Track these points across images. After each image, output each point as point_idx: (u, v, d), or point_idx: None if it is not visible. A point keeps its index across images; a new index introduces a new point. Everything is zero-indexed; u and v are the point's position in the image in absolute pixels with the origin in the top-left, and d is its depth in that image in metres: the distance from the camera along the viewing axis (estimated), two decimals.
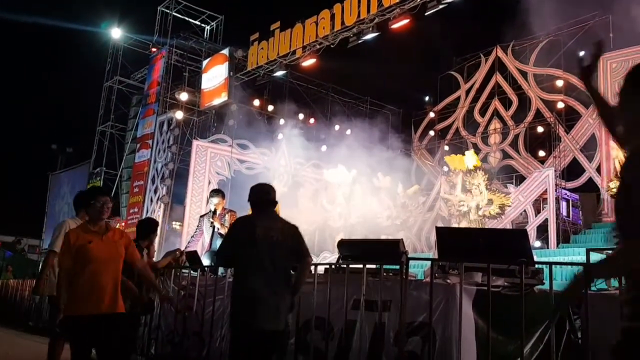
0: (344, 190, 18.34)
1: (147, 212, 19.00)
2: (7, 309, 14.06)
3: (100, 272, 3.78)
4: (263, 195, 3.95)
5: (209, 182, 18.24)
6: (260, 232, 3.74)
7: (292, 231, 3.88)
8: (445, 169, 18.46)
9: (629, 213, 1.82)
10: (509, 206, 15.58)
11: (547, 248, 14.38)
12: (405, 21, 14.32)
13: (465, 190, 16.04)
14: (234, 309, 3.75)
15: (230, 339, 4.03)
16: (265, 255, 3.69)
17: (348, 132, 21.90)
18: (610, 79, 16.96)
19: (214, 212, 7.59)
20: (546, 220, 15.23)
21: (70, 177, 27.15)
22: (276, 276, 3.69)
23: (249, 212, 4.24)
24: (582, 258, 9.90)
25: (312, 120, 21.81)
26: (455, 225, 15.69)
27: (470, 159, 16.29)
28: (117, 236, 4.01)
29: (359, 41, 15.42)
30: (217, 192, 7.97)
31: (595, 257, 4.84)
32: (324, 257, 15.52)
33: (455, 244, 4.27)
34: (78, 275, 3.77)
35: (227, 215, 7.66)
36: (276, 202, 4.02)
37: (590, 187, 17.69)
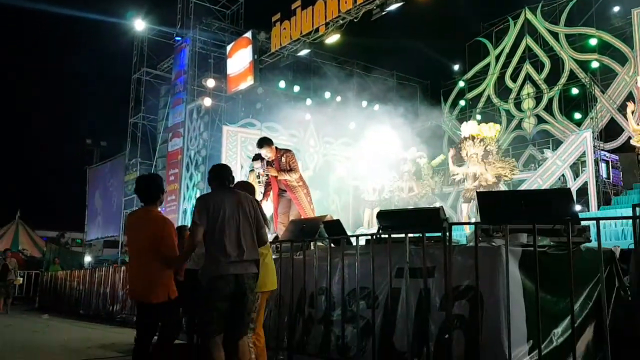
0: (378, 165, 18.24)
1: (184, 199, 19.35)
2: (58, 299, 14.63)
3: None
4: None
5: (242, 167, 18.42)
6: None
7: None
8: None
9: None
10: (507, 177, 15.00)
11: (588, 211, 14.09)
12: None
13: (463, 159, 15.55)
14: None
15: None
16: None
17: (376, 107, 21.71)
18: None
19: (268, 163, 7.04)
20: (585, 183, 14.90)
21: (108, 170, 27.83)
22: None
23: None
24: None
25: (339, 98, 21.66)
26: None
27: (468, 127, 15.81)
28: None
29: (383, 13, 15.17)
30: (260, 143, 7.09)
31: None
32: (360, 232, 15.55)
33: (498, 207, 4.21)
34: None
35: (283, 158, 7.02)
36: None
37: (630, 147, 17.16)
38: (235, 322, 3.78)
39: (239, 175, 17.88)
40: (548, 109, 19.91)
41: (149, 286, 4.16)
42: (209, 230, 3.82)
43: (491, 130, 15.70)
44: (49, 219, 34.06)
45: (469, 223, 5.74)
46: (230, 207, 3.89)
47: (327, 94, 21.58)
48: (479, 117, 21.02)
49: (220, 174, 4.10)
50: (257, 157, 7.39)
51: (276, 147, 7.20)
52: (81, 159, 31.38)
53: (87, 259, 24.19)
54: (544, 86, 20.09)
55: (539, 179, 16.03)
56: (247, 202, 4.00)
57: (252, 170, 7.70)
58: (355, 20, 15.97)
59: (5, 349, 7.01)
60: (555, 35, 19.71)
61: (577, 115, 19.16)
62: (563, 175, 15.67)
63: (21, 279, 15.88)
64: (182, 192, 19.69)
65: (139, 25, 22.82)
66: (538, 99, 20.26)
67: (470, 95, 22.57)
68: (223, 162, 18.21)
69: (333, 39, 16.97)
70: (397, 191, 17.81)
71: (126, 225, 4.51)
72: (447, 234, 4.08)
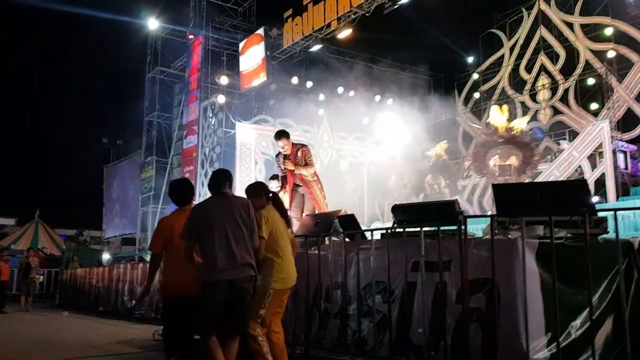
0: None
1: (200, 195, 19.46)
2: (78, 296, 14.82)
3: None
4: None
5: (256, 163, 18.50)
6: None
7: None
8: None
9: None
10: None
11: (606, 202, 13.93)
12: None
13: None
14: None
15: None
16: None
17: (389, 102, 21.63)
18: None
19: (285, 157, 7.01)
20: (603, 174, 14.73)
21: (124, 168, 28.10)
22: None
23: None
24: None
25: (351, 93, 21.62)
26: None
27: (493, 115, 15.95)
28: None
29: (395, 6, 15.12)
30: (279, 135, 7.02)
31: None
32: (376, 226, 15.57)
33: (514, 199, 4.18)
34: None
35: (299, 152, 6.98)
36: None
37: None
38: (226, 323, 3.90)
39: (252, 172, 18.00)
40: (564, 99, 19.70)
41: (195, 279, 4.22)
42: (201, 239, 3.90)
43: (521, 122, 15.80)
44: (67, 218, 34.50)
45: (484, 216, 5.71)
46: (221, 213, 3.94)
47: (340, 89, 21.54)
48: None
49: (215, 181, 4.16)
50: (274, 177, 7.46)
51: (292, 142, 7.22)
52: (98, 158, 31.77)
53: (106, 256, 24.46)
54: (559, 77, 19.86)
55: (555, 171, 15.88)
56: (241, 207, 4.02)
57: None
58: (367, 15, 15.92)
59: (28, 345, 7.14)
60: (570, 25, 19.46)
61: (594, 106, 18.93)
62: (580, 166, 15.50)
63: (41, 277, 16.12)
64: (197, 189, 19.83)
65: (152, 24, 22.96)
66: (553, 90, 20.05)
67: (484, 87, 22.39)
68: (237, 159, 18.36)
69: (345, 33, 16.94)
70: (429, 188, 17.96)
71: (163, 228, 4.45)
72: (463, 227, 4.06)
